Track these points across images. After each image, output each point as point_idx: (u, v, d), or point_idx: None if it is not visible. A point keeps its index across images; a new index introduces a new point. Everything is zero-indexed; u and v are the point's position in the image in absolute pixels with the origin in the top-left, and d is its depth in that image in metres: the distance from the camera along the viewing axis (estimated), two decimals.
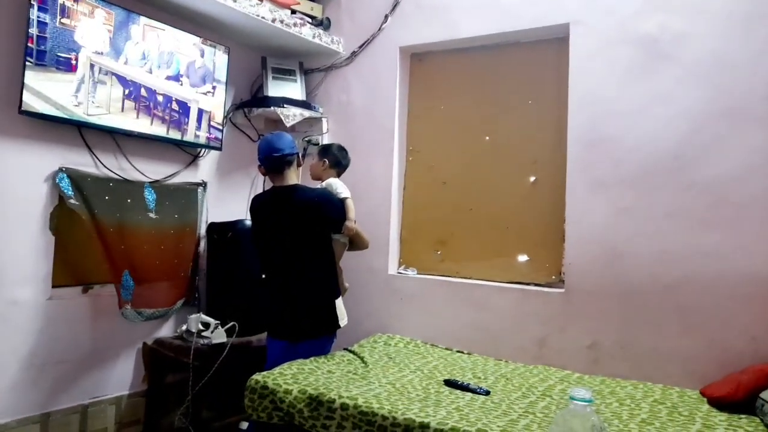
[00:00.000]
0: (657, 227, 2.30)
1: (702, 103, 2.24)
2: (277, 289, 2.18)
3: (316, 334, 2.21)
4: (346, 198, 2.38)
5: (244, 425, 2.72)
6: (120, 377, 2.55)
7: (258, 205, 2.31)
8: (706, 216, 2.22)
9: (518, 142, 2.77)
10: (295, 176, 2.32)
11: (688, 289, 2.23)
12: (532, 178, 2.73)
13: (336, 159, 2.52)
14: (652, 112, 2.33)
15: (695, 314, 2.21)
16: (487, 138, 2.86)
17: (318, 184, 2.47)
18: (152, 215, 2.57)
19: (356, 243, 2.44)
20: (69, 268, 2.29)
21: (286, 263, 2.20)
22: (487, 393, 1.98)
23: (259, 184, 3.25)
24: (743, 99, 2.17)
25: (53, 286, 2.27)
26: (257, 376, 1.99)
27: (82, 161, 2.36)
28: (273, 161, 2.25)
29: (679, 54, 2.29)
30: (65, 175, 2.27)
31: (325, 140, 3.16)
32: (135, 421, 2.59)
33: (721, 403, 1.88)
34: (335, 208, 2.30)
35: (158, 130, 2.53)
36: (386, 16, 3.01)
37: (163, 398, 2.63)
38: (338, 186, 2.43)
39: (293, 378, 1.98)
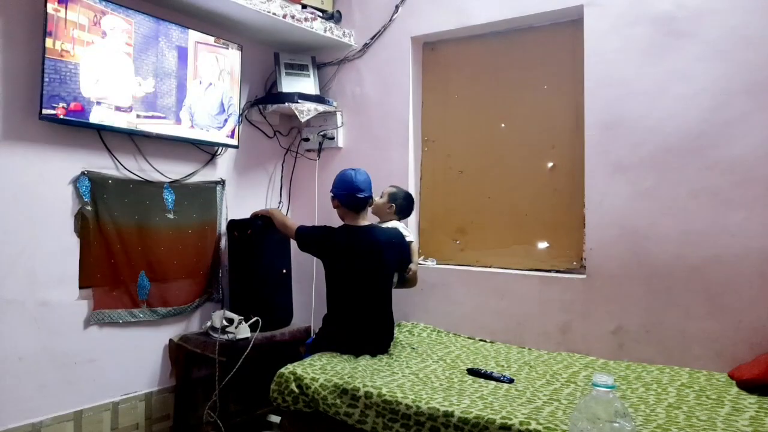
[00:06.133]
0: (681, 208, 2.26)
1: (723, 81, 2.19)
2: (360, 315, 2.32)
3: (389, 350, 2.39)
4: (412, 242, 2.57)
5: (272, 418, 2.77)
6: (149, 373, 2.61)
7: (334, 237, 2.39)
8: (731, 194, 2.17)
9: (535, 128, 2.73)
10: (368, 216, 2.47)
11: (715, 269, 2.18)
12: (550, 164, 2.69)
13: (402, 208, 2.68)
14: (672, 91, 2.28)
15: (722, 295, 2.17)
16: (503, 125, 2.84)
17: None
18: (170, 216, 2.62)
19: (409, 282, 2.55)
20: (94, 269, 2.34)
21: (371, 295, 2.35)
22: (511, 381, 1.98)
23: (277, 179, 3.27)
24: (766, 74, 2.11)
25: (80, 287, 2.32)
26: (289, 366, 2.06)
27: (103, 164, 2.40)
28: (357, 201, 2.39)
29: (697, 31, 2.23)
30: (86, 178, 2.31)
31: (340, 134, 3.17)
32: (165, 416, 2.65)
33: (751, 385, 1.85)
34: (408, 250, 2.51)
35: (176, 130, 2.56)
36: (397, 7, 2.99)
37: (191, 393, 2.68)
38: (406, 230, 2.62)
39: (321, 369, 2.04)
